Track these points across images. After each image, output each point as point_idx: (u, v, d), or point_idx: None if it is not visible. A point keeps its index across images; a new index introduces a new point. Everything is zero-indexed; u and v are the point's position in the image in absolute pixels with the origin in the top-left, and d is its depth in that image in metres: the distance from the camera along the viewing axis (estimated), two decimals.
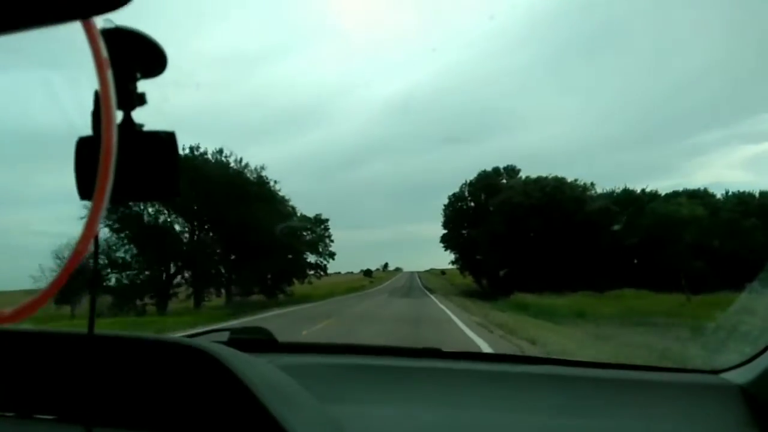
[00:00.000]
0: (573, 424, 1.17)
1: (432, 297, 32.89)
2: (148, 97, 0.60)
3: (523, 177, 47.31)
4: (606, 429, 1.14)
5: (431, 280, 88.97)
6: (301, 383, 1.12)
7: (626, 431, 1.14)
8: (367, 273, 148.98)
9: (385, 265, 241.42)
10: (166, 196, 0.61)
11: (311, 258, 38.74)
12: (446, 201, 53.84)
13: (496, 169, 52.31)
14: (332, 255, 39.95)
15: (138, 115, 0.61)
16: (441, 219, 53.06)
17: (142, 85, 0.60)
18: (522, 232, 40.23)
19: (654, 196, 46.14)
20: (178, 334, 1.91)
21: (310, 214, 39.00)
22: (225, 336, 1.80)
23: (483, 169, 52.36)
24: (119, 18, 0.58)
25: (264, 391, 0.90)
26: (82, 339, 0.97)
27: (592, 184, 45.36)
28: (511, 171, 51.81)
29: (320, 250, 39.40)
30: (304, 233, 37.16)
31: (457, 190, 53.09)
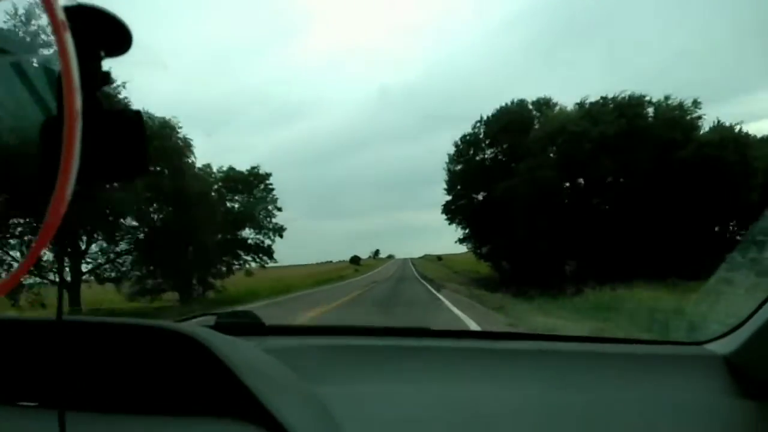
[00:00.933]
0: (560, 396, 1.18)
1: (436, 293, 19.75)
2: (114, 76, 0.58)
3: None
4: (592, 401, 1.16)
5: (427, 267, 69.00)
6: (288, 365, 1.11)
7: (612, 403, 1.16)
8: (355, 260, 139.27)
9: (376, 252, 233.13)
10: (133, 175, 0.60)
11: (250, 236, 26.57)
12: (452, 151, 33.98)
13: (521, 102, 32.58)
14: (279, 231, 26.74)
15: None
16: (440, 195, 34.77)
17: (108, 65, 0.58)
18: (585, 182, 25.79)
19: None
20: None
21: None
22: (212, 321, 1.79)
23: (504, 104, 32.49)
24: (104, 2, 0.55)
25: (248, 373, 0.90)
26: (51, 325, 0.96)
27: (696, 104, 25.92)
28: (545, 104, 32.01)
29: (261, 222, 26.55)
30: (236, 199, 26.03)
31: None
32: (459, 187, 33.66)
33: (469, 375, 1.34)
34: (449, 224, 34.67)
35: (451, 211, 34.37)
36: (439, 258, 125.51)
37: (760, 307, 1.21)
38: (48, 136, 0.56)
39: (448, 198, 34.37)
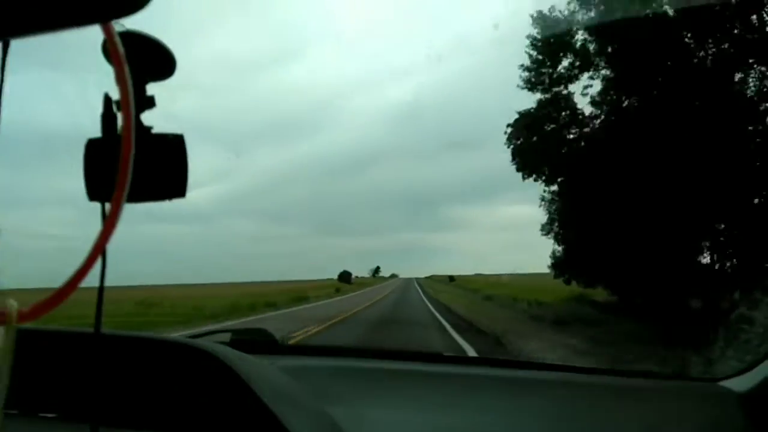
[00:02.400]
0: (572, 429, 1.17)
1: None
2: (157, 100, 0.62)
3: None
4: None
5: (439, 290, 44.84)
6: (302, 385, 1.13)
7: None
8: (345, 278, 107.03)
9: (376, 270, 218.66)
10: (173, 196, 0.64)
11: None
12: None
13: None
14: None
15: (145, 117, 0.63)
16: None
17: (150, 89, 0.62)
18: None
19: None
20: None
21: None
22: (227, 337, 1.82)
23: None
24: (128, 22, 0.59)
25: (266, 392, 0.91)
26: (89, 338, 0.98)
27: None
28: None
29: None
30: None
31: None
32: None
33: (481, 402, 1.34)
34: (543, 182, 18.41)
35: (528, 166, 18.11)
36: (451, 278, 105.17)
37: None
38: (92, 156, 0.60)
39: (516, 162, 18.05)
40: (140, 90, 0.60)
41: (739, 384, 1.29)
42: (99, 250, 0.44)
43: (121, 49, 0.44)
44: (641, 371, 1.56)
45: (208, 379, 0.96)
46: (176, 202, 0.65)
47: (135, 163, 0.47)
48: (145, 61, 0.60)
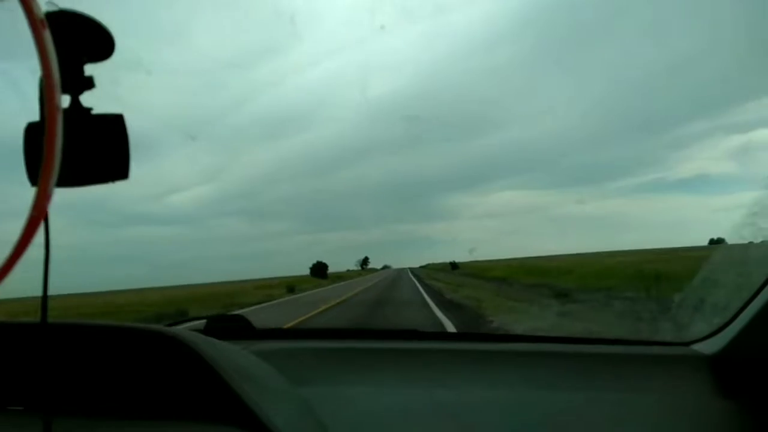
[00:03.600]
0: (546, 397, 1.19)
1: None
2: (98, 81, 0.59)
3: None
4: (579, 402, 1.17)
5: (450, 284, 27.52)
6: (275, 367, 1.11)
7: (598, 404, 1.16)
8: (318, 272, 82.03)
9: (364, 261, 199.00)
10: (115, 178, 0.61)
11: None
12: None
13: None
14: None
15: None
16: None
17: (92, 69, 0.59)
18: None
19: None
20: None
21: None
22: (202, 325, 1.79)
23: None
24: (95, 11, 0.56)
25: (233, 376, 0.89)
26: (35, 328, 0.95)
27: None
28: None
29: None
30: None
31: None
32: None
33: (457, 377, 1.35)
34: None
35: None
36: (454, 265, 76.14)
37: (744, 306, 1.22)
38: (31, 138, 0.57)
39: None
40: (77, 70, 0.57)
41: (710, 346, 1.33)
42: (29, 234, 0.41)
43: (40, 16, 0.40)
44: (613, 338, 1.59)
45: (172, 364, 0.94)
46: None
47: (73, 145, 0.44)
48: (81, 41, 0.56)
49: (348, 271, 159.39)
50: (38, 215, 0.41)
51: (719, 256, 1.99)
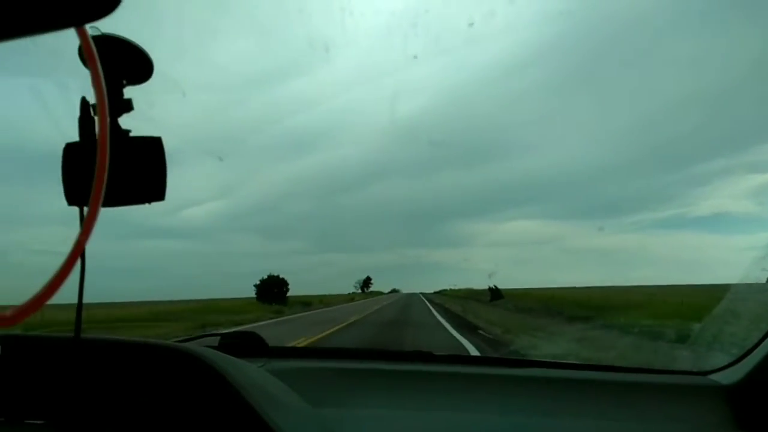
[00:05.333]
0: (563, 425, 1.18)
1: None
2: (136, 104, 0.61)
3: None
4: (595, 430, 1.15)
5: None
6: (292, 387, 1.12)
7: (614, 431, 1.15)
8: (267, 293, 46.94)
9: (365, 282, 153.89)
10: (152, 199, 0.63)
11: None
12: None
13: None
14: None
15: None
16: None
17: (129, 92, 0.62)
18: None
19: None
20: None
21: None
22: (216, 341, 1.80)
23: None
24: (122, 30, 0.59)
25: (254, 395, 0.90)
26: (69, 343, 0.97)
27: None
28: None
29: None
30: None
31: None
32: None
33: (471, 401, 1.34)
34: None
35: None
36: (496, 293, 39.58)
37: (763, 338, 1.21)
38: (70, 158, 0.59)
39: None
40: (117, 93, 0.59)
41: (727, 377, 1.31)
42: (77, 254, 0.43)
43: (94, 51, 0.43)
44: (630, 367, 1.57)
45: (195, 383, 0.95)
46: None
47: (112, 167, 0.46)
48: (121, 65, 0.59)
49: (349, 293, 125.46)
50: (87, 233, 0.42)
51: (739, 288, 1.97)
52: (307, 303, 43.22)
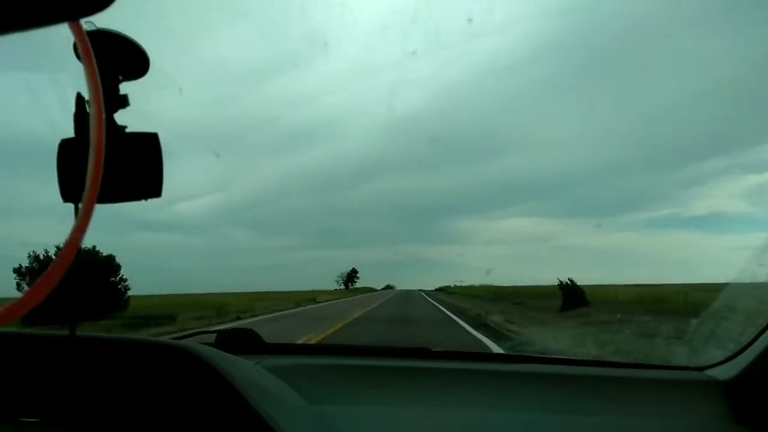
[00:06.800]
0: (561, 420, 1.18)
1: None
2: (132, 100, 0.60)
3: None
4: (593, 425, 1.15)
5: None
6: (289, 384, 1.12)
7: (612, 428, 1.15)
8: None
9: (350, 276, 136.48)
10: (149, 195, 0.62)
11: None
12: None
13: None
14: None
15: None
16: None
17: (124, 87, 0.61)
18: None
19: None
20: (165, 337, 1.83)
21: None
22: (212, 338, 1.79)
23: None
24: (117, 25, 0.58)
25: (251, 392, 0.90)
26: (64, 341, 0.96)
27: None
28: None
29: None
30: None
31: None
32: None
33: (470, 397, 1.34)
34: None
35: None
36: (575, 294, 21.88)
37: (760, 334, 1.21)
38: (65, 154, 0.58)
39: None
40: (113, 89, 0.58)
41: (724, 372, 1.31)
42: (71, 250, 0.42)
43: (89, 46, 0.42)
44: (627, 362, 1.58)
45: (192, 380, 0.95)
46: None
47: (108, 163, 0.45)
48: (117, 60, 0.58)
49: (332, 290, 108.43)
50: (82, 230, 0.42)
51: (736, 284, 1.98)
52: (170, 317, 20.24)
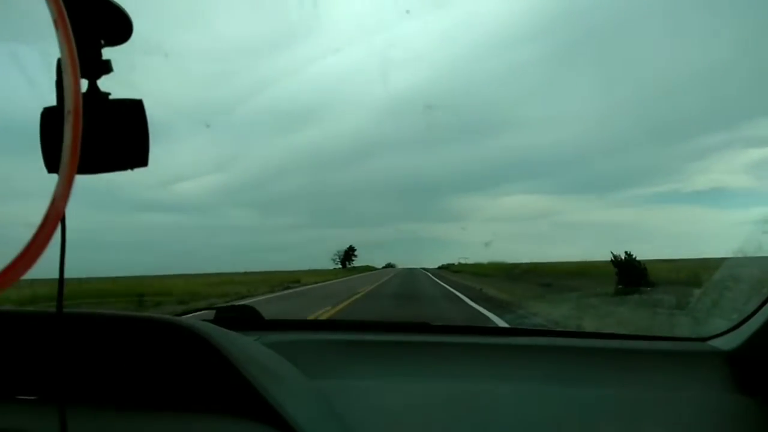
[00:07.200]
0: (563, 393, 1.17)
1: None
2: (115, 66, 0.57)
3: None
4: (597, 397, 1.15)
5: None
6: (288, 360, 1.11)
7: (615, 398, 1.15)
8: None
9: (347, 254, 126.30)
10: (134, 165, 0.59)
11: None
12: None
13: None
14: None
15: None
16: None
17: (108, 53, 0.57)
18: None
19: None
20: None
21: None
22: (211, 315, 1.79)
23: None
24: None
25: (251, 368, 0.89)
26: (51, 318, 0.94)
27: None
28: None
29: None
30: None
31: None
32: None
33: (470, 370, 1.33)
34: None
35: None
36: (634, 269, 17.07)
37: (763, 303, 1.20)
38: (48, 123, 0.55)
39: None
40: (95, 54, 0.55)
41: (727, 342, 1.31)
42: (54, 222, 0.39)
43: (62, 5, 0.38)
44: (629, 334, 1.58)
45: (190, 356, 0.93)
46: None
47: (92, 131, 0.42)
48: (97, 23, 0.54)
49: (321, 270, 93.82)
50: (61, 206, 0.39)
51: (739, 254, 1.97)
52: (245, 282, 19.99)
